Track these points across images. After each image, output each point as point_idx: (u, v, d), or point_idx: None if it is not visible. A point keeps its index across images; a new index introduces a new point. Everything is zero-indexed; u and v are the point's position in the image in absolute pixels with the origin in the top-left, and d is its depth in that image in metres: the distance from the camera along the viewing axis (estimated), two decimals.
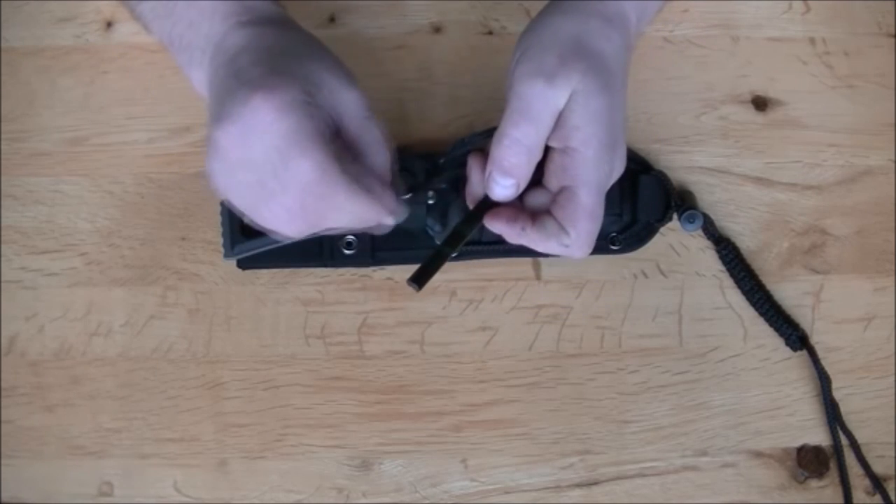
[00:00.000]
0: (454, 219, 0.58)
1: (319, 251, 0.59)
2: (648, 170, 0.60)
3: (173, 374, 0.59)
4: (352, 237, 0.59)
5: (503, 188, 0.48)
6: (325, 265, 0.59)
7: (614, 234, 0.59)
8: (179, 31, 0.50)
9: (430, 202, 0.57)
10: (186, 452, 0.59)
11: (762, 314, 0.60)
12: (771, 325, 0.60)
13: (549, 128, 0.47)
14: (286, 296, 0.60)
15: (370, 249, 0.59)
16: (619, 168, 0.50)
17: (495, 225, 0.50)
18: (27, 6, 0.61)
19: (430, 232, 0.58)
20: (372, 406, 0.59)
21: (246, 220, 0.48)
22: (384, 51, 0.62)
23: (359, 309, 0.60)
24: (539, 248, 0.49)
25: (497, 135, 0.47)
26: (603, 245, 0.59)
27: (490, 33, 0.62)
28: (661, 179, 0.59)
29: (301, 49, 0.48)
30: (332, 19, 0.62)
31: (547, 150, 0.48)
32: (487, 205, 0.50)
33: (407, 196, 0.56)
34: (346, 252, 0.59)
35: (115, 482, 0.58)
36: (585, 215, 0.48)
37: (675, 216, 0.60)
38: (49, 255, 0.60)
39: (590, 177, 0.48)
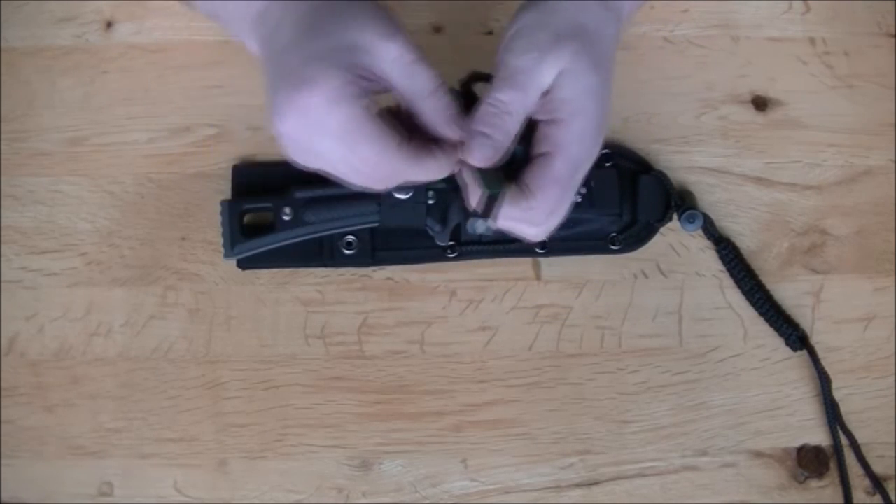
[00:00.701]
0: (454, 219, 0.58)
1: (319, 251, 0.59)
2: (648, 170, 0.60)
3: (173, 374, 0.59)
4: (352, 237, 0.59)
5: (481, 146, 0.47)
6: (325, 265, 0.59)
7: (614, 234, 0.59)
8: (225, 9, 0.51)
9: (431, 202, 0.57)
10: (186, 452, 0.59)
11: (762, 314, 0.60)
12: (771, 325, 0.60)
13: (534, 101, 0.47)
14: (286, 296, 0.60)
15: (370, 249, 0.59)
16: (594, 156, 0.49)
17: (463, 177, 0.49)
18: (27, 6, 0.61)
19: (431, 232, 0.58)
20: (372, 406, 0.59)
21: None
22: None
23: (359, 309, 0.60)
24: (500, 215, 0.48)
25: (483, 98, 0.48)
26: (603, 245, 0.59)
27: (490, 33, 0.62)
28: (661, 179, 0.59)
29: (338, 14, 0.47)
30: None
31: (535, 126, 0.48)
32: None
33: (406, 196, 0.57)
34: (346, 252, 0.59)
35: (115, 482, 0.58)
36: (555, 182, 0.48)
37: (675, 216, 0.60)
38: (49, 255, 0.60)
39: (570, 147, 0.48)
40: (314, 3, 0.48)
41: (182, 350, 0.59)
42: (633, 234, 0.60)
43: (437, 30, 0.62)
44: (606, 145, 0.60)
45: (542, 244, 0.59)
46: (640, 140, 0.62)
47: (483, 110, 0.47)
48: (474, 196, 0.48)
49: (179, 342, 0.59)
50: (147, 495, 0.58)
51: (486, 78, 0.50)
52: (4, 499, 0.58)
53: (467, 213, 0.58)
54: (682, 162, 0.62)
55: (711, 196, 0.61)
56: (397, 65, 0.47)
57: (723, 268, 0.60)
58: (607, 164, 0.60)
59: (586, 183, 0.57)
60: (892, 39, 0.63)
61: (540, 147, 0.48)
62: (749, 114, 0.62)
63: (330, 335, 0.60)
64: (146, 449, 0.58)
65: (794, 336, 0.59)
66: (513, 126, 0.47)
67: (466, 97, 0.51)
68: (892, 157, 0.62)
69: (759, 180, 0.61)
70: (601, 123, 0.48)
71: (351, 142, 0.46)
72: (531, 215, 0.49)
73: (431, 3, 0.62)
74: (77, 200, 0.60)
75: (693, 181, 0.61)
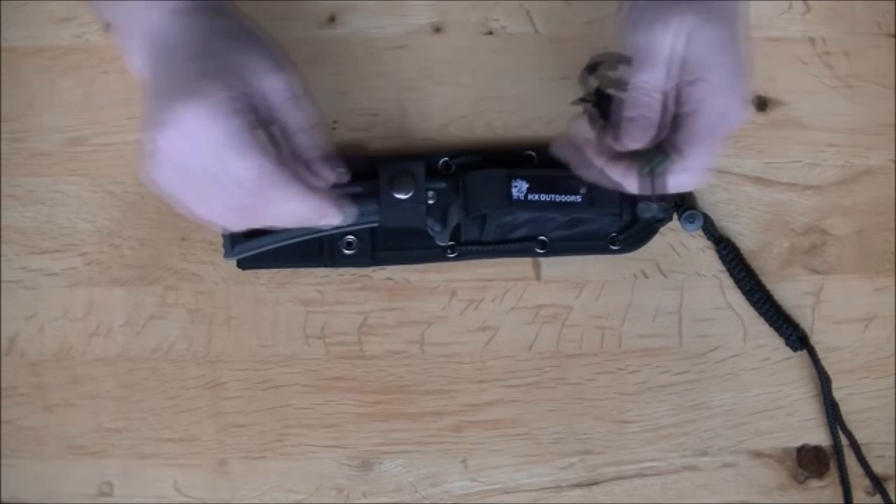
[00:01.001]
0: (454, 219, 0.58)
1: (319, 251, 0.59)
2: None
3: (173, 374, 0.59)
4: (352, 237, 0.59)
5: (636, 129, 0.49)
6: (325, 265, 0.59)
7: (614, 234, 0.59)
8: (121, 17, 0.52)
9: (431, 202, 0.57)
10: (186, 452, 0.59)
11: (762, 314, 0.60)
12: (771, 325, 0.60)
13: (671, 71, 0.49)
14: (286, 296, 0.60)
15: (370, 249, 0.59)
16: (738, 105, 0.50)
17: (629, 137, 0.50)
18: (27, 6, 0.61)
19: (431, 232, 0.58)
20: (372, 406, 0.59)
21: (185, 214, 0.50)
22: (384, 51, 0.62)
23: (359, 309, 0.60)
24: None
25: (628, 84, 0.50)
26: (603, 245, 0.59)
27: (490, 33, 0.62)
28: None
29: (232, 39, 0.49)
30: (332, 19, 0.62)
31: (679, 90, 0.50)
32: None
33: (406, 196, 0.57)
34: (346, 252, 0.59)
35: (115, 482, 0.58)
36: (704, 138, 0.49)
37: (675, 216, 0.60)
38: (49, 255, 0.60)
39: (713, 101, 0.49)
40: (210, 27, 0.49)
41: (182, 350, 0.59)
42: (633, 234, 0.60)
43: (437, 30, 0.62)
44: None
45: (542, 244, 0.59)
46: None
47: (631, 97, 0.50)
48: (633, 183, 0.50)
49: (179, 342, 0.59)
50: (147, 495, 0.58)
51: (611, 60, 0.52)
52: (4, 499, 0.58)
53: (467, 213, 0.58)
54: None
55: (711, 196, 0.61)
56: (281, 96, 0.49)
57: (723, 268, 0.60)
58: None
59: (586, 183, 0.57)
60: (892, 39, 0.63)
61: (685, 107, 0.50)
62: (749, 114, 0.62)
63: (330, 335, 0.60)
64: (146, 449, 0.58)
65: (794, 336, 0.59)
66: (657, 101, 0.50)
67: (598, 98, 0.53)
68: (892, 157, 0.62)
69: (759, 180, 0.61)
70: (737, 71, 0.49)
71: (228, 157, 0.46)
72: (687, 175, 0.50)
73: (431, 3, 0.62)
74: (77, 200, 0.60)
75: None
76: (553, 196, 0.57)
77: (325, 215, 0.50)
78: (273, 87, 0.49)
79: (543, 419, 0.59)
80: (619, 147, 0.50)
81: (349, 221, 0.52)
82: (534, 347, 0.60)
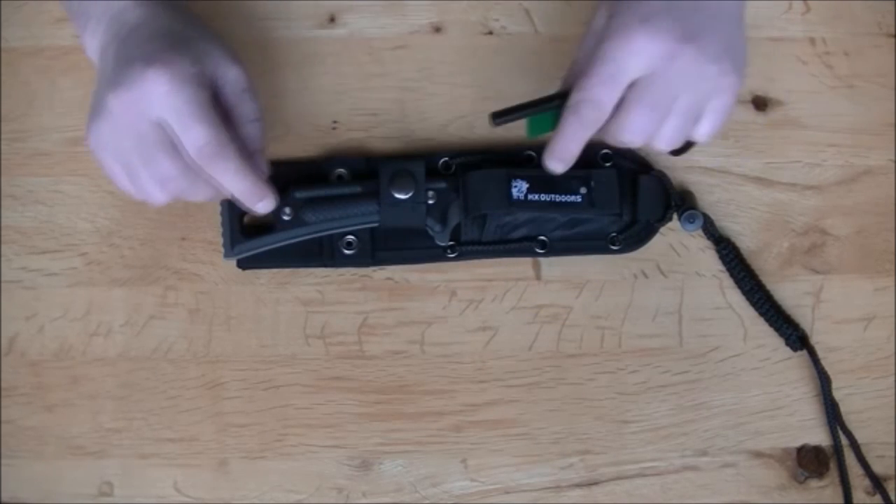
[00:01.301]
0: (454, 219, 0.58)
1: (319, 251, 0.59)
2: (648, 170, 0.60)
3: (173, 374, 0.59)
4: (352, 237, 0.59)
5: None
6: (325, 265, 0.59)
7: (614, 234, 0.59)
8: (80, 6, 0.54)
9: (431, 202, 0.57)
10: (186, 452, 0.59)
11: (762, 314, 0.60)
12: (771, 325, 0.60)
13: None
14: (286, 296, 0.60)
15: (370, 249, 0.59)
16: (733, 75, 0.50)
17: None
18: (27, 6, 0.61)
19: (431, 232, 0.58)
20: (372, 406, 0.59)
21: (114, 183, 0.53)
22: (384, 51, 0.62)
23: (359, 309, 0.60)
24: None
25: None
26: (603, 245, 0.59)
27: (490, 33, 0.62)
28: (661, 179, 0.59)
29: (191, 28, 0.52)
30: (332, 19, 0.62)
31: None
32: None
33: (406, 196, 0.57)
34: (346, 252, 0.59)
35: (115, 482, 0.58)
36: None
37: (675, 216, 0.60)
38: (49, 255, 0.60)
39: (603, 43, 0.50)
40: (173, 16, 0.52)
41: (182, 350, 0.59)
42: (633, 234, 0.60)
43: (437, 30, 0.62)
44: (607, 146, 0.60)
45: (543, 244, 0.59)
46: None
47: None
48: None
49: (179, 342, 0.59)
50: (147, 495, 0.58)
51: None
52: (4, 499, 0.58)
53: (467, 213, 0.58)
54: (682, 162, 0.61)
55: (711, 196, 0.61)
56: (233, 87, 0.52)
57: (723, 268, 0.60)
58: (607, 164, 0.60)
59: (586, 183, 0.57)
60: (892, 39, 0.63)
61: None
62: (749, 114, 0.62)
63: (330, 335, 0.60)
64: (146, 449, 0.59)
65: (794, 336, 0.59)
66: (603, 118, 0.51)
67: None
68: (892, 157, 0.62)
69: (759, 180, 0.61)
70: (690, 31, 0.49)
71: (188, 122, 0.49)
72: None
73: (431, 3, 0.62)
74: (77, 200, 0.60)
75: (693, 181, 0.61)
76: (553, 196, 0.57)
77: (263, 197, 0.53)
78: (227, 77, 0.52)
79: (543, 419, 0.59)
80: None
81: (269, 210, 0.54)
82: (534, 347, 0.60)
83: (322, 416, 0.59)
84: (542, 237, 0.59)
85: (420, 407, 0.59)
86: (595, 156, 0.60)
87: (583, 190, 0.57)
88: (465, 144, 0.61)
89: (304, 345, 0.60)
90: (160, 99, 0.49)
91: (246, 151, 0.52)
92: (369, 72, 0.62)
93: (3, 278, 0.60)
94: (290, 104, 0.61)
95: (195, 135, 0.49)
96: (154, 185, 0.51)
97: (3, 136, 0.61)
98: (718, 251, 0.60)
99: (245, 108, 0.53)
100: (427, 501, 0.59)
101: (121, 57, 0.50)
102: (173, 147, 0.50)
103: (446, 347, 0.60)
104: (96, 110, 0.51)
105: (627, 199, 0.59)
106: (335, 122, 0.61)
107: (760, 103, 0.62)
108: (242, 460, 0.59)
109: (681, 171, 0.61)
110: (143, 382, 0.59)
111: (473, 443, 0.59)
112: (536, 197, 0.57)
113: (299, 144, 0.61)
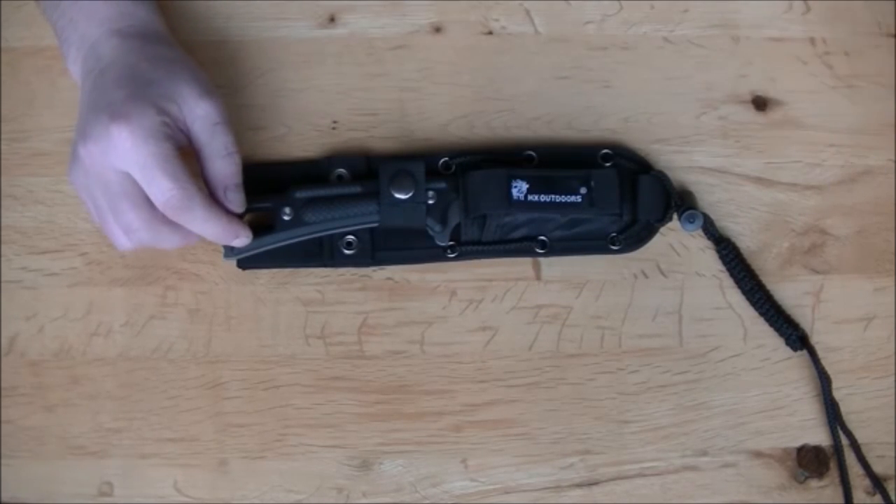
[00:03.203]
0: (454, 219, 0.58)
1: (319, 251, 0.59)
2: (648, 170, 0.60)
3: (173, 374, 0.59)
4: (352, 237, 0.59)
5: None
6: (325, 265, 0.59)
7: (614, 234, 0.59)
8: (62, 25, 0.55)
9: (431, 202, 0.57)
10: (186, 452, 0.59)
11: (762, 314, 0.60)
12: (771, 325, 0.60)
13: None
14: (286, 296, 0.60)
15: (370, 249, 0.59)
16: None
17: None
18: (27, 6, 0.61)
19: (431, 232, 0.58)
20: (372, 406, 0.59)
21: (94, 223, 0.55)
22: (384, 51, 0.62)
23: (359, 309, 0.60)
24: None
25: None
26: (603, 245, 0.59)
27: (490, 33, 0.62)
28: (661, 179, 0.59)
29: (163, 66, 0.53)
30: (332, 19, 0.62)
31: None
32: None
33: (406, 196, 0.57)
34: (346, 252, 0.59)
35: (115, 482, 0.58)
36: None
37: (675, 216, 0.60)
38: (49, 255, 0.60)
39: None
40: (143, 52, 0.54)
41: (182, 350, 0.59)
42: (633, 234, 0.60)
43: (437, 30, 0.62)
44: (607, 145, 0.60)
45: (543, 244, 0.59)
46: (640, 140, 0.62)
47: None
48: None
49: (179, 342, 0.59)
50: (147, 495, 0.58)
51: None
52: (4, 499, 0.58)
53: (467, 213, 0.58)
54: (682, 162, 0.62)
55: (711, 196, 0.61)
56: (203, 123, 0.53)
57: (723, 268, 0.60)
58: (607, 165, 0.60)
59: (586, 183, 0.57)
60: (892, 39, 0.63)
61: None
62: (749, 114, 0.62)
63: (330, 335, 0.60)
64: (146, 449, 0.58)
65: (794, 336, 0.59)
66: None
67: None
68: (892, 157, 0.62)
69: (759, 180, 0.61)
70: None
71: (154, 176, 0.50)
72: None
73: (431, 3, 0.62)
74: (77, 200, 0.60)
75: (693, 181, 0.61)
76: (553, 196, 0.57)
77: (236, 236, 0.55)
78: (199, 113, 0.53)
79: (543, 419, 0.59)
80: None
81: (243, 244, 0.56)
82: (534, 347, 0.60)
83: (322, 416, 0.59)
84: (542, 237, 0.59)
85: (420, 407, 0.59)
86: (595, 156, 0.60)
87: (583, 190, 0.57)
88: (465, 144, 0.61)
89: (304, 345, 0.60)
90: (124, 154, 0.50)
91: (220, 187, 0.54)
92: (369, 72, 0.62)
93: (3, 278, 0.60)
94: (290, 104, 0.61)
95: (159, 188, 0.50)
96: (119, 232, 0.53)
97: (3, 136, 0.61)
98: (718, 251, 0.60)
99: (216, 144, 0.53)
100: (427, 501, 0.59)
101: (91, 102, 0.52)
102: (139, 198, 0.52)
103: (446, 347, 0.60)
104: (72, 153, 0.53)
105: (627, 199, 0.59)
106: (335, 122, 0.61)
107: (760, 103, 0.62)
108: (242, 460, 0.59)
109: (681, 171, 0.61)
110: (143, 382, 0.59)
111: (473, 443, 0.59)
112: (536, 197, 0.57)
113: (299, 144, 0.61)
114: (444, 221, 0.58)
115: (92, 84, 0.53)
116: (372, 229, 0.58)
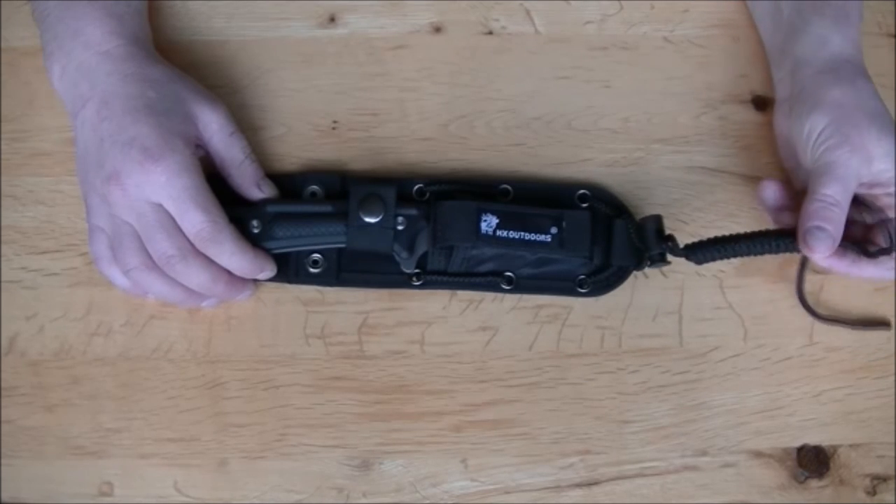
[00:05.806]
0: (422, 247, 0.57)
1: (286, 267, 0.58)
2: (624, 214, 0.59)
3: (173, 374, 0.59)
4: (318, 255, 0.58)
5: (818, 239, 0.53)
6: (290, 281, 0.59)
7: (583, 277, 0.59)
8: (47, 39, 0.56)
9: (400, 228, 0.57)
10: (186, 452, 0.59)
11: (756, 249, 0.55)
12: (769, 249, 0.55)
13: (855, 187, 0.53)
14: (286, 296, 0.60)
15: (336, 270, 0.58)
16: None
17: (828, 262, 0.55)
18: (27, 6, 0.61)
19: (397, 258, 0.57)
20: (372, 406, 0.59)
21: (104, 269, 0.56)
22: (384, 51, 0.62)
23: (359, 309, 0.60)
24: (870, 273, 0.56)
25: (809, 195, 0.53)
26: (571, 286, 0.59)
27: (490, 33, 0.62)
28: (631, 229, 0.57)
29: (166, 88, 0.55)
30: (332, 19, 0.62)
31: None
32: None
33: (375, 220, 0.56)
34: (312, 270, 0.58)
35: (115, 482, 0.58)
36: None
37: (651, 263, 0.57)
38: (49, 255, 0.60)
39: None
40: (142, 76, 0.54)
41: (182, 350, 0.59)
42: (602, 279, 0.59)
43: (437, 30, 0.62)
44: (585, 186, 0.60)
45: (509, 280, 0.59)
46: (640, 140, 0.62)
47: (814, 207, 0.53)
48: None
49: (179, 342, 0.59)
50: (147, 495, 0.58)
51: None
52: (4, 499, 0.58)
53: (434, 243, 0.57)
54: (682, 162, 0.62)
55: (711, 196, 0.61)
56: (220, 135, 0.56)
57: (723, 268, 0.60)
58: (584, 205, 0.59)
59: (558, 223, 0.56)
60: (892, 39, 0.63)
61: (882, 213, 0.55)
62: (749, 114, 0.62)
63: (330, 335, 0.60)
64: (146, 449, 0.58)
65: (789, 238, 0.55)
66: (841, 216, 0.53)
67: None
68: None
69: (759, 180, 0.61)
70: None
71: (187, 208, 0.52)
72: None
73: (431, 3, 0.62)
74: (77, 200, 0.60)
75: (693, 181, 0.61)
76: (522, 234, 0.56)
77: (263, 269, 0.56)
78: (215, 128, 0.56)
79: (543, 419, 0.59)
80: (803, 250, 0.54)
81: (271, 276, 0.57)
82: (534, 347, 0.60)
83: (322, 416, 0.59)
84: (510, 273, 0.59)
85: (420, 407, 0.59)
86: (573, 195, 0.59)
87: (553, 230, 0.56)
88: (464, 145, 0.61)
89: (304, 345, 0.60)
90: (159, 188, 0.52)
91: (252, 184, 0.57)
92: (369, 72, 0.62)
93: (3, 278, 0.60)
94: (290, 104, 0.61)
95: (191, 220, 0.52)
96: (138, 271, 0.54)
97: (3, 136, 0.61)
98: (693, 258, 0.56)
99: (235, 151, 0.56)
100: (427, 501, 0.59)
101: (108, 136, 0.53)
102: (173, 228, 0.53)
103: (446, 347, 0.60)
104: (91, 184, 0.54)
105: (600, 242, 0.57)
106: (335, 122, 0.61)
107: (760, 103, 0.62)
108: (242, 460, 0.59)
109: (681, 171, 0.61)
110: (143, 382, 0.59)
111: (473, 443, 0.59)
112: (505, 234, 0.56)
113: (299, 144, 0.61)
114: (411, 248, 0.57)
115: (95, 115, 0.53)
116: (340, 250, 0.58)
